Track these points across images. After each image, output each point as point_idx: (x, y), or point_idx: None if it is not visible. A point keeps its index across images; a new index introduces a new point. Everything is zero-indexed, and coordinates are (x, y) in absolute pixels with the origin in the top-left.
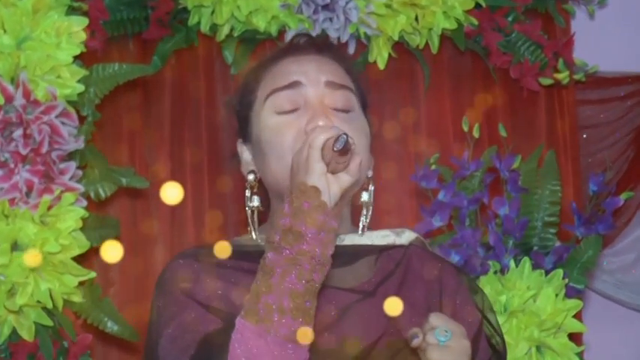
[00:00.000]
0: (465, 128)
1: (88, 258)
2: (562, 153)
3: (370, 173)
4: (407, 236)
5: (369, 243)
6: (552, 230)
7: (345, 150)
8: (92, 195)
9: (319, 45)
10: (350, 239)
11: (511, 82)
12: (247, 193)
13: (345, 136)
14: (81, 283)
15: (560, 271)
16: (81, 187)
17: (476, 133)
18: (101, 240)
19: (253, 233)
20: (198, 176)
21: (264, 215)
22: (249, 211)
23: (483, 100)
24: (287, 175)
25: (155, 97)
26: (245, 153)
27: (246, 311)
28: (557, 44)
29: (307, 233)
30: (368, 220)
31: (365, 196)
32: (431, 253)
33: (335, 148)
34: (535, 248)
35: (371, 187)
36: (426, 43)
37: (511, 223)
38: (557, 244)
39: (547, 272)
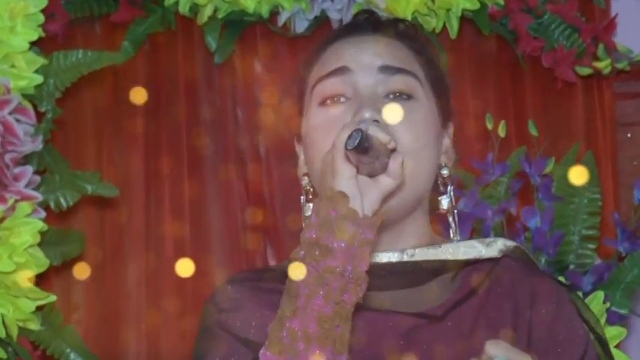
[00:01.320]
0: (489, 126)
1: (48, 279)
2: (602, 155)
3: (446, 172)
4: (499, 246)
5: (448, 258)
6: (591, 245)
7: (362, 149)
8: (52, 205)
9: (379, 22)
10: (422, 254)
11: (543, 71)
12: (302, 199)
13: (358, 133)
14: (39, 308)
15: (600, 294)
16: (39, 196)
17: (502, 132)
18: (63, 257)
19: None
20: (178, 183)
21: None
22: (304, 222)
23: (510, 93)
24: None
25: (126, 89)
26: (301, 153)
27: (270, 341)
28: (596, 28)
29: (335, 247)
30: (457, 231)
31: (445, 203)
32: (529, 267)
33: (347, 147)
34: (571, 267)
35: (450, 189)
36: (444, 26)
37: (543, 237)
38: (597, 261)
39: (585, 294)
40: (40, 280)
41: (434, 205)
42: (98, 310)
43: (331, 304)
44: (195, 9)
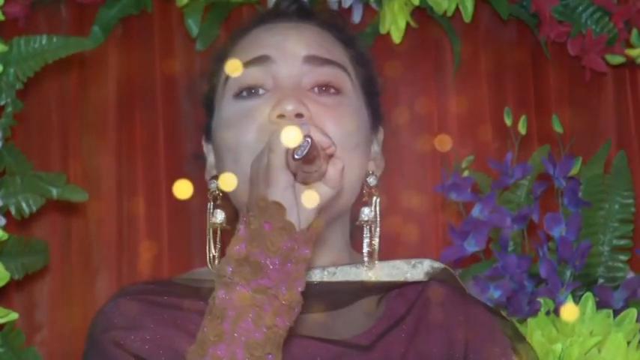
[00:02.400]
0: (508, 122)
1: (8, 294)
2: (636, 154)
3: (373, 181)
4: (425, 268)
5: (372, 278)
6: (623, 257)
7: (311, 158)
8: (13, 210)
9: (305, 9)
10: (344, 273)
11: (569, 60)
12: (209, 206)
13: (308, 141)
14: None
15: (633, 311)
16: None
17: (522, 129)
18: (24, 270)
19: (214, 261)
20: (153, 185)
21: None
22: (210, 231)
23: (532, 85)
24: (246, 187)
25: (95, 80)
26: (210, 154)
27: None
28: (629, 10)
29: (268, 264)
30: (373, 247)
31: (366, 214)
32: (458, 291)
33: (296, 156)
34: (600, 281)
35: (375, 200)
36: (457, 9)
37: (569, 247)
38: (630, 274)
39: (616, 312)
40: (0, 295)
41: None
42: (64, 330)
43: (262, 328)
44: None
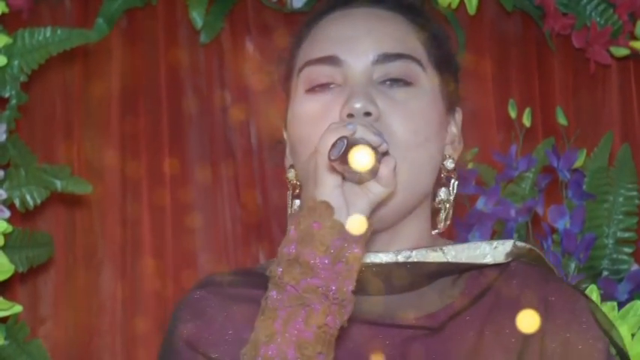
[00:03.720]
0: (513, 114)
1: (12, 287)
2: None
3: (451, 164)
4: (507, 249)
5: (449, 260)
6: (628, 249)
7: (347, 158)
8: (17, 203)
9: None
10: (419, 256)
11: (573, 52)
12: (289, 194)
13: (343, 141)
14: (2, 320)
15: (637, 304)
16: (2, 193)
17: (526, 121)
18: (29, 263)
19: None
20: (158, 179)
21: None
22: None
23: (536, 77)
24: None
25: (100, 72)
26: (288, 142)
27: None
28: (634, 2)
29: (318, 264)
30: (447, 223)
31: (443, 194)
32: (543, 272)
33: (331, 157)
34: (605, 273)
35: (453, 183)
36: (461, 1)
37: (573, 240)
38: (635, 267)
39: (621, 304)
40: (4, 288)
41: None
42: (68, 322)
43: (313, 328)
44: None
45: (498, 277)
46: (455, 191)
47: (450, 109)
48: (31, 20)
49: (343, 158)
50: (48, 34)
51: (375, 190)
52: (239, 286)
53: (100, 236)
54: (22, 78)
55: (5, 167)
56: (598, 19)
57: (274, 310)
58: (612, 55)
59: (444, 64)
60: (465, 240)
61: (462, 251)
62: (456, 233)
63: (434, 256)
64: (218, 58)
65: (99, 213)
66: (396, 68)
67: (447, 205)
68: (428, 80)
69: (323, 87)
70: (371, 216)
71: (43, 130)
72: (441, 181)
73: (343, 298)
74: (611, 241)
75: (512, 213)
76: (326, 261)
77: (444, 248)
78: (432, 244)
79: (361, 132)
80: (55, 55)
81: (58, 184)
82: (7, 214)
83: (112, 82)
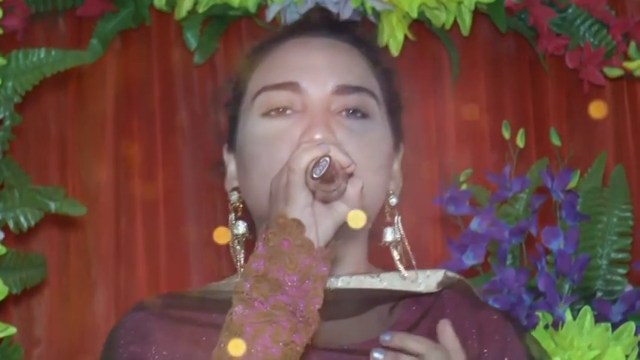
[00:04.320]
0: (506, 135)
1: (6, 308)
2: (634, 167)
3: (394, 200)
4: (439, 278)
5: (386, 287)
6: (621, 270)
7: (329, 177)
8: (11, 224)
9: (334, 24)
10: (358, 282)
11: (567, 73)
12: (231, 216)
13: (327, 160)
14: None
15: (631, 325)
16: None
17: (520, 142)
18: (23, 284)
19: (238, 272)
20: (152, 201)
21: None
22: (234, 241)
23: (530, 98)
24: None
25: (94, 93)
26: (231, 163)
27: None
28: (627, 23)
29: (287, 281)
30: (413, 263)
31: (389, 235)
32: (474, 300)
33: (314, 175)
34: (598, 294)
35: (397, 219)
36: (455, 22)
37: (567, 260)
38: (628, 288)
39: (615, 326)
40: None
41: (374, 235)
42: (62, 344)
43: (280, 345)
44: (172, 2)
45: (432, 304)
46: (401, 229)
47: (396, 144)
48: (26, 41)
49: (324, 177)
50: (42, 55)
51: (341, 209)
52: (176, 308)
53: (93, 257)
54: (16, 99)
55: None
56: (592, 39)
57: (241, 325)
58: (606, 76)
59: (393, 100)
60: (459, 261)
61: (396, 279)
62: (449, 254)
63: (370, 282)
64: (212, 79)
65: (92, 234)
66: (354, 101)
67: (399, 247)
68: (381, 114)
69: (280, 112)
70: (333, 237)
71: (36, 151)
72: (384, 219)
73: (310, 316)
74: (605, 262)
75: (506, 234)
76: (294, 278)
77: (380, 275)
78: (369, 270)
79: (334, 152)
80: (49, 76)
81: (52, 206)
82: (1, 235)
83: (106, 103)
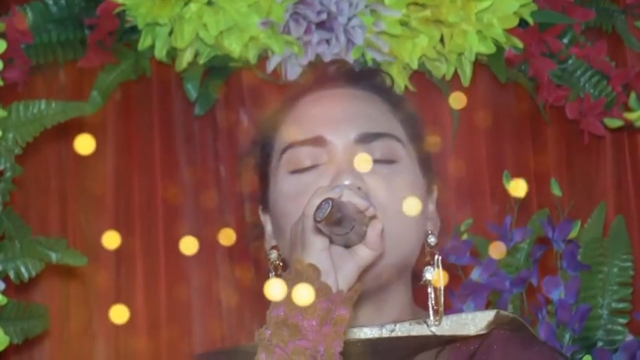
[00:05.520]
0: (507, 185)
1: (7, 358)
2: (635, 218)
3: (433, 240)
4: (489, 318)
5: (432, 333)
6: (622, 320)
7: (335, 220)
8: (12, 275)
9: (352, 74)
10: (403, 329)
11: (567, 124)
12: (271, 275)
13: (328, 203)
14: None
15: None
16: None
17: (521, 192)
18: (24, 335)
19: None
20: (152, 252)
21: None
22: None
23: (530, 149)
24: None
25: (95, 144)
26: (268, 224)
27: None
28: (628, 74)
29: (306, 326)
30: (440, 305)
31: (429, 274)
32: (526, 337)
33: (317, 219)
34: (599, 344)
35: (437, 259)
36: (455, 73)
37: (568, 310)
38: (629, 337)
39: None
40: None
41: (417, 275)
42: None
43: None
44: (173, 54)
45: (480, 345)
46: (441, 267)
47: (428, 186)
48: (26, 93)
49: (330, 220)
50: (43, 106)
51: (363, 253)
52: None
53: (94, 309)
54: (17, 150)
55: (0, 239)
56: (592, 90)
57: None
58: (606, 127)
59: (419, 142)
60: (460, 311)
61: (445, 324)
62: (450, 304)
63: (418, 330)
64: (212, 130)
65: (94, 285)
66: (378, 148)
67: (439, 287)
68: (408, 157)
69: (307, 168)
70: (359, 280)
71: (37, 202)
72: (424, 258)
73: (331, 359)
74: (605, 311)
75: (507, 284)
76: (314, 323)
77: (427, 321)
78: (414, 315)
79: (348, 195)
80: (49, 128)
81: (54, 257)
82: (2, 286)
83: (106, 155)
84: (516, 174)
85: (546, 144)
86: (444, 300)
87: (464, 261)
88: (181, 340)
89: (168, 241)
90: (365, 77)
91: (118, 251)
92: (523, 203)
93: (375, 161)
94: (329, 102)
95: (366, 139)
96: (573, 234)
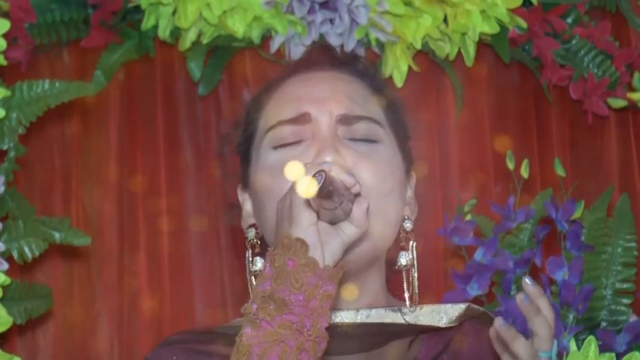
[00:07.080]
0: (510, 166)
1: (11, 339)
2: (639, 197)
3: (409, 225)
4: (461, 311)
5: (408, 322)
6: (626, 300)
7: (326, 192)
8: (15, 255)
9: (337, 59)
10: (379, 316)
11: (571, 104)
12: (248, 254)
13: (322, 175)
14: None
15: (636, 355)
16: (0, 245)
17: (524, 172)
18: (27, 315)
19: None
20: (155, 232)
21: None
22: (250, 279)
23: (534, 129)
24: None
25: (98, 124)
26: (246, 202)
27: None
28: (631, 54)
29: (293, 300)
30: (413, 291)
31: (403, 259)
32: None
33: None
34: (603, 324)
35: (412, 245)
36: (459, 53)
37: (571, 291)
38: (633, 318)
39: (619, 356)
40: (2, 340)
41: (391, 261)
42: None
43: None
44: (176, 34)
45: (453, 337)
46: (415, 254)
47: (407, 170)
48: (30, 73)
49: (321, 192)
50: (46, 86)
51: (348, 230)
52: (200, 342)
53: (99, 288)
54: (21, 130)
55: (3, 219)
56: (595, 70)
57: (249, 346)
58: (610, 107)
59: (400, 127)
60: (463, 291)
61: (421, 314)
62: (453, 284)
63: (392, 317)
64: (216, 111)
65: (97, 265)
66: (359, 130)
67: (412, 271)
68: (388, 139)
69: (290, 143)
70: (343, 257)
71: (41, 182)
72: (399, 243)
73: (317, 334)
74: (609, 292)
75: (511, 264)
76: (300, 297)
77: (402, 309)
78: (388, 302)
79: (336, 171)
80: (53, 108)
81: (57, 236)
82: (6, 266)
83: (110, 135)
84: (520, 154)
85: (550, 124)
86: (447, 282)
87: (467, 242)
88: (185, 321)
89: (171, 219)
90: (349, 62)
91: (121, 231)
92: (526, 183)
93: (356, 140)
94: (315, 83)
95: (348, 121)
96: (577, 214)
